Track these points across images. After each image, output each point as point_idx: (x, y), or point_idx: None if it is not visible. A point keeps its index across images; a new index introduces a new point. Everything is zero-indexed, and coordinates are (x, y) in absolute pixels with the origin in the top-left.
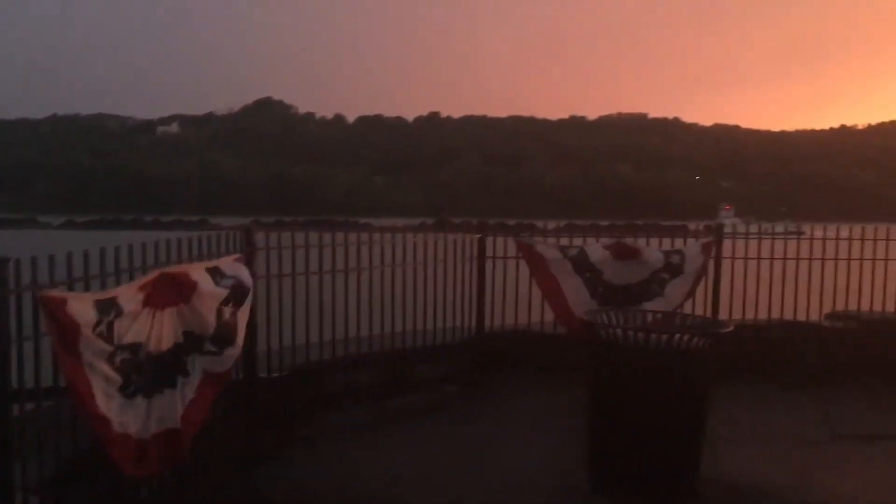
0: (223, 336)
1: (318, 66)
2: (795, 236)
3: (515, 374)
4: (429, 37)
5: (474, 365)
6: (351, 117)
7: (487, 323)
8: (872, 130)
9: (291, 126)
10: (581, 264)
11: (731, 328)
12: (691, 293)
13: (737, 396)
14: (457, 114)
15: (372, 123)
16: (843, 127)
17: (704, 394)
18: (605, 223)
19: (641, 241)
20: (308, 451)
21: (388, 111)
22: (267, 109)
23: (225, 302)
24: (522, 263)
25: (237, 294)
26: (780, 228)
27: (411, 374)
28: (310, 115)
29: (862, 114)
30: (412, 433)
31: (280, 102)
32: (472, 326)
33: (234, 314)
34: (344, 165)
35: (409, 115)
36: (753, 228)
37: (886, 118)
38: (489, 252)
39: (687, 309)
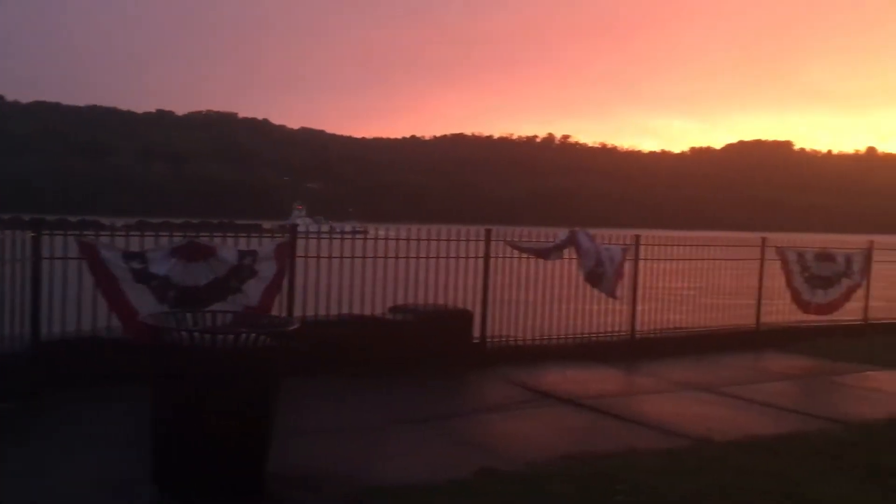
0: None
1: None
2: (360, 236)
3: (82, 385)
4: None
5: (32, 378)
6: None
7: (46, 331)
8: (437, 141)
9: None
10: (145, 271)
11: (296, 325)
12: (274, 291)
13: (309, 390)
14: (25, 99)
15: None
16: (413, 137)
17: (272, 391)
18: (178, 221)
19: (217, 240)
20: None
21: None
22: None
23: None
24: (86, 265)
25: None
26: (348, 228)
27: None
28: None
29: (429, 126)
30: None
31: None
32: (24, 334)
33: None
34: None
35: None
36: (325, 228)
37: (448, 131)
38: (46, 252)
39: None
